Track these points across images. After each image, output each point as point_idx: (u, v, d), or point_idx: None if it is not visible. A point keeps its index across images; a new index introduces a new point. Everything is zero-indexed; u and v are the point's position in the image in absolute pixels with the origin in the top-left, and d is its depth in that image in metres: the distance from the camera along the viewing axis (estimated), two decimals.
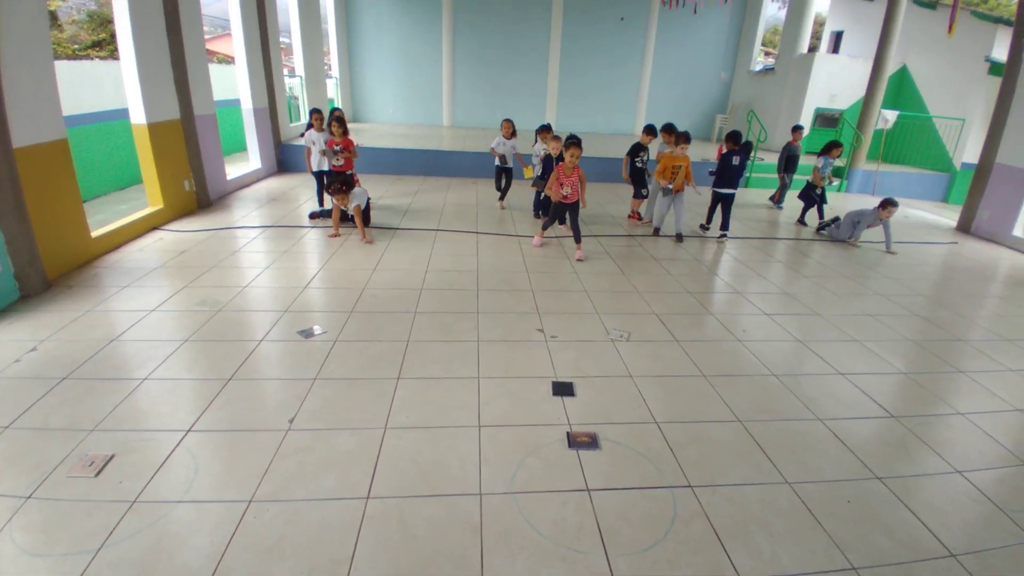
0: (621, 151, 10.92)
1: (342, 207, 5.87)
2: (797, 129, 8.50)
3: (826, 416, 3.02)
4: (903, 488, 2.50)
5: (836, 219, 7.07)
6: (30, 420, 2.70)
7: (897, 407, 3.18)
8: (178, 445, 2.57)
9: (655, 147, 7.34)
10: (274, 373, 3.24)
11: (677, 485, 2.41)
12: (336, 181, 5.69)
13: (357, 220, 5.85)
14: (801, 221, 7.76)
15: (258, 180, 8.76)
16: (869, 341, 4.04)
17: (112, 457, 2.46)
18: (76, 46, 17.53)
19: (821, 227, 7.32)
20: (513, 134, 7.36)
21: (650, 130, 7.14)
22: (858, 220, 6.74)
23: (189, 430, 2.68)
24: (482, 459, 2.52)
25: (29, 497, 2.21)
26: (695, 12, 11.54)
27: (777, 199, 8.99)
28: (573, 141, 5.55)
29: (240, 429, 2.70)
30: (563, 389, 3.14)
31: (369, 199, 6.25)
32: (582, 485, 2.39)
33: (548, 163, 6.45)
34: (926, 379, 3.56)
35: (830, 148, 7.40)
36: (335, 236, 5.94)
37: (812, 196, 7.56)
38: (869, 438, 2.87)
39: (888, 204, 6.48)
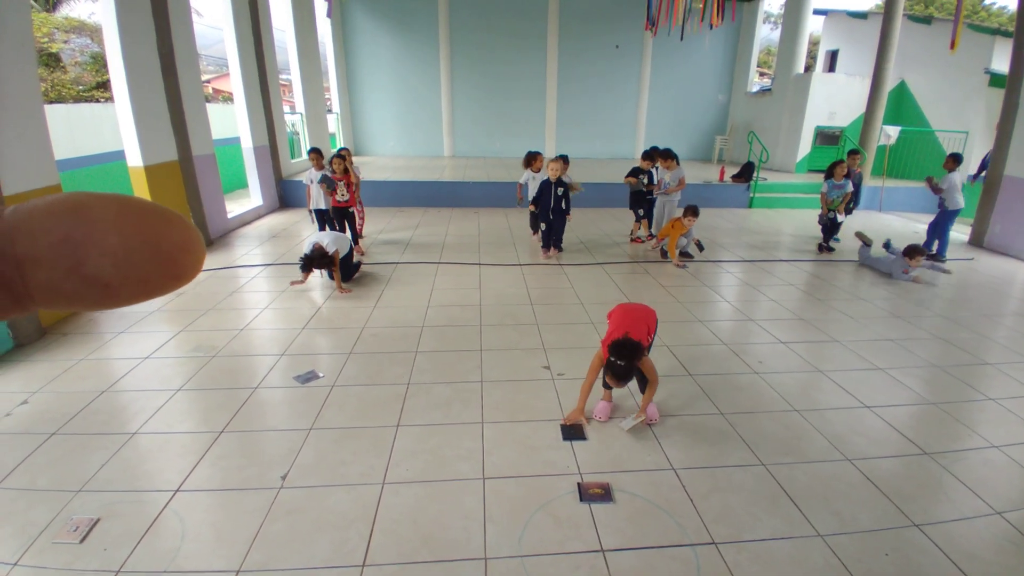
0: (622, 176, 10.87)
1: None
2: (854, 153, 7.50)
3: (856, 456, 2.83)
4: (943, 536, 2.30)
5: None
6: (18, 480, 2.59)
7: (929, 442, 2.99)
8: (165, 507, 2.42)
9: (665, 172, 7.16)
10: (268, 424, 3.09)
11: (700, 543, 2.22)
12: (314, 262, 4.99)
13: (334, 268, 5.21)
14: (827, 247, 7.23)
15: (259, 217, 8.71)
16: (892, 369, 3.85)
17: (97, 521, 2.34)
18: (80, 87, 17.78)
19: (825, 246, 7.18)
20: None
21: (648, 155, 7.08)
22: (889, 270, 6.13)
23: (177, 490, 2.53)
24: (487, 517, 2.35)
25: (16, 564, 2.11)
26: (681, 39, 11.45)
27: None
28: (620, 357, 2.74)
29: (230, 488, 2.54)
30: (572, 433, 2.97)
31: (353, 247, 5.68)
32: (596, 545, 2.20)
33: (544, 186, 6.28)
34: (956, 409, 3.37)
35: (832, 169, 6.90)
36: (300, 283, 5.31)
37: (834, 222, 7.09)
38: (903, 479, 2.68)
39: (916, 253, 5.89)
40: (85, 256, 0.26)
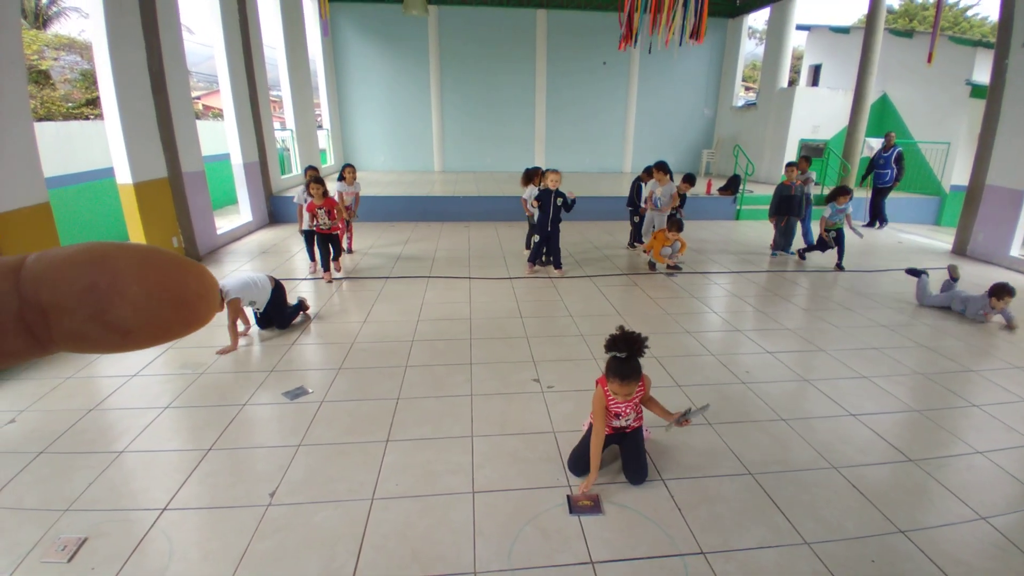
0: (610, 190, 11.03)
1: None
2: (791, 166, 7.49)
3: (841, 464, 2.86)
4: (928, 541, 2.33)
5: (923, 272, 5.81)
6: (6, 499, 2.57)
7: (914, 449, 3.02)
8: (152, 526, 2.40)
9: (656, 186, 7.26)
10: (256, 440, 3.08)
11: (688, 552, 2.23)
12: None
13: (237, 320, 4.36)
14: (801, 255, 7.37)
15: (249, 233, 8.71)
16: (878, 377, 3.90)
17: (85, 540, 2.31)
18: (70, 104, 17.71)
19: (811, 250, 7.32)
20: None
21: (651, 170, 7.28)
22: (963, 308, 5.28)
23: (164, 508, 2.51)
24: (476, 531, 2.35)
25: None
26: (649, 52, 11.04)
27: (772, 246, 7.85)
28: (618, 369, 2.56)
29: (218, 506, 2.52)
30: (582, 508, 2.88)
31: (274, 294, 4.56)
32: (585, 557, 2.21)
33: (543, 195, 6.29)
34: (940, 416, 3.41)
35: (836, 195, 6.75)
36: (229, 351, 4.29)
37: (827, 243, 6.93)
38: (889, 486, 2.70)
39: (1004, 294, 4.98)
40: (109, 304, 0.27)
